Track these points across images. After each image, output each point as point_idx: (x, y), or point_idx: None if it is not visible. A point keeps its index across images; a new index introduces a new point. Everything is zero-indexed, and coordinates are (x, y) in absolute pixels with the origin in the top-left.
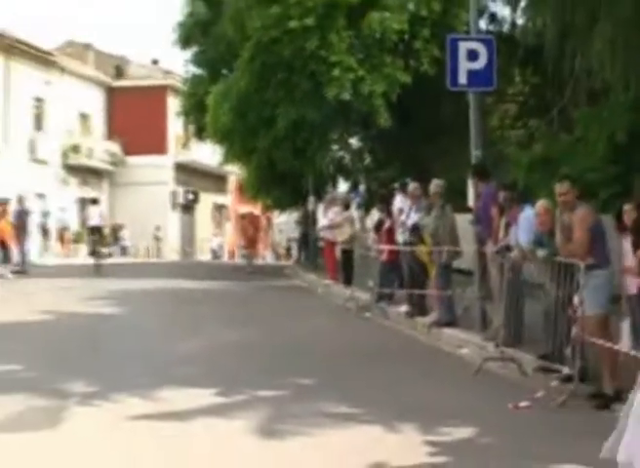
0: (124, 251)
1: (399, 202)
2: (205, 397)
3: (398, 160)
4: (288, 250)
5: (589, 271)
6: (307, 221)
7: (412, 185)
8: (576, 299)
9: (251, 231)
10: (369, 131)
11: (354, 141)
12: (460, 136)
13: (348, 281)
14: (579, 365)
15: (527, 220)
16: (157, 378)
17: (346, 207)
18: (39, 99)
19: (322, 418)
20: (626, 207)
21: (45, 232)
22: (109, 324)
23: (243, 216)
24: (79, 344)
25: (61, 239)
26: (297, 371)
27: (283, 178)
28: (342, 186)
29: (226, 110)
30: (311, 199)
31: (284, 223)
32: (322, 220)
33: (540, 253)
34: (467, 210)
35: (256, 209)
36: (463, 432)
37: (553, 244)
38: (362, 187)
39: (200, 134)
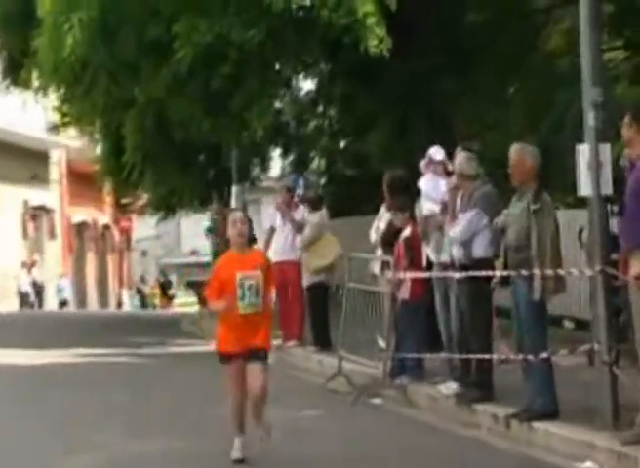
0: None
1: (432, 187)
2: None
3: (391, 115)
4: (163, 287)
5: None
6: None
7: (461, 155)
8: None
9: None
10: (338, 63)
11: (308, 84)
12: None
13: (325, 342)
14: None
15: None
16: None
17: (315, 204)
18: None
19: None
20: None
21: None
22: None
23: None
24: None
25: None
26: None
27: (184, 154)
28: (276, 167)
29: (76, 26)
30: (235, 190)
31: (153, 238)
32: (278, 235)
33: None
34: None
35: (103, 213)
36: None
37: None
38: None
39: (12, 73)
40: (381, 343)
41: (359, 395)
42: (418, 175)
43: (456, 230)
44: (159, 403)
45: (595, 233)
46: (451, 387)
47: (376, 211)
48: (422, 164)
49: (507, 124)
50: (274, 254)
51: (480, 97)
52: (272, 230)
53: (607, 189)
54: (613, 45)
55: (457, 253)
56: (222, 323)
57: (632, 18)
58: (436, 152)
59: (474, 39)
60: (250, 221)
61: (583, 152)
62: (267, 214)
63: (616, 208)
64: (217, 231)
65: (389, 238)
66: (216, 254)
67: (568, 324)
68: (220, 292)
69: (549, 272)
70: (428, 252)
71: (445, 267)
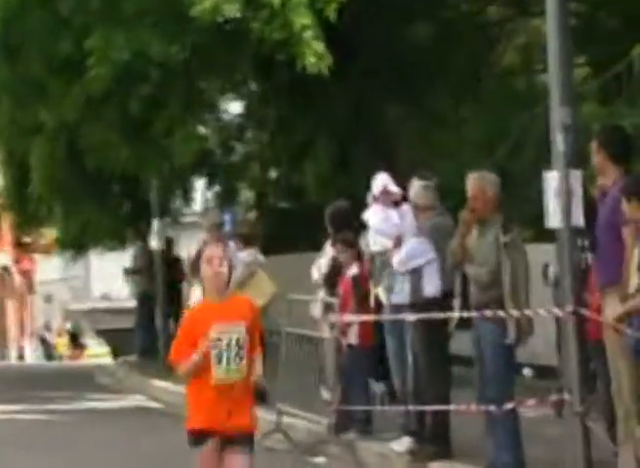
0: None
1: (382, 219)
2: None
3: (331, 142)
4: (74, 335)
5: None
6: (151, 271)
7: (417, 184)
8: None
9: None
10: (272, 83)
11: (236, 106)
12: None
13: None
14: None
15: None
16: None
17: (247, 241)
18: None
19: None
20: None
21: None
22: None
23: None
24: None
25: None
26: None
27: (99, 185)
28: (198, 200)
29: None
30: (156, 225)
31: (59, 281)
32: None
33: None
34: None
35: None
36: None
37: None
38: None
39: None
40: (325, 395)
41: (300, 453)
42: (360, 207)
43: (395, 260)
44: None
45: (565, 269)
46: (404, 443)
47: (314, 247)
48: (375, 194)
49: (459, 149)
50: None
51: (428, 121)
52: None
53: (578, 220)
54: (576, 62)
55: (406, 290)
56: (192, 391)
57: (596, 32)
58: (388, 181)
59: (422, 55)
60: (229, 259)
61: (552, 179)
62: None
63: (586, 242)
64: (142, 272)
65: (333, 276)
66: (144, 299)
67: (527, 372)
68: (189, 354)
69: (525, 312)
70: (378, 292)
71: (398, 309)
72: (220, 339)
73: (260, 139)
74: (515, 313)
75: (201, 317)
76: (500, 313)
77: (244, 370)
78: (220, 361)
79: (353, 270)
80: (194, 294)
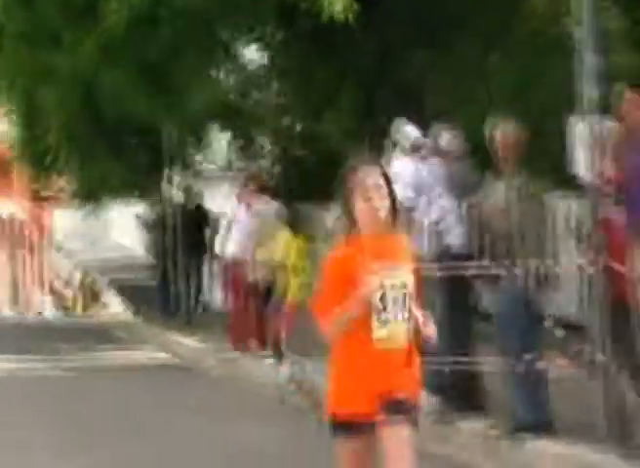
0: None
1: (411, 172)
2: None
3: (355, 92)
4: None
5: None
6: (165, 223)
7: (446, 134)
8: None
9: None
10: (294, 32)
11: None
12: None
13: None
14: None
15: None
16: None
17: (273, 194)
18: None
19: None
20: None
21: None
22: None
23: None
24: None
25: None
26: None
27: (116, 135)
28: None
29: None
30: (169, 175)
31: (76, 234)
32: (241, 230)
33: None
34: None
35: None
36: None
37: None
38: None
39: None
40: None
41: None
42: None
43: (421, 215)
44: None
45: (595, 222)
46: (430, 401)
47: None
48: (406, 147)
49: (487, 98)
50: (234, 249)
51: (456, 69)
52: (231, 224)
53: (609, 171)
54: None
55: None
56: (342, 362)
57: None
58: (412, 131)
59: (449, 1)
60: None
61: (580, 127)
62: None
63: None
64: (157, 226)
65: None
66: (160, 254)
67: (557, 329)
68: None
69: (546, 263)
70: None
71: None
72: (384, 288)
73: (283, 90)
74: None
75: (351, 258)
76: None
77: (411, 328)
78: (382, 318)
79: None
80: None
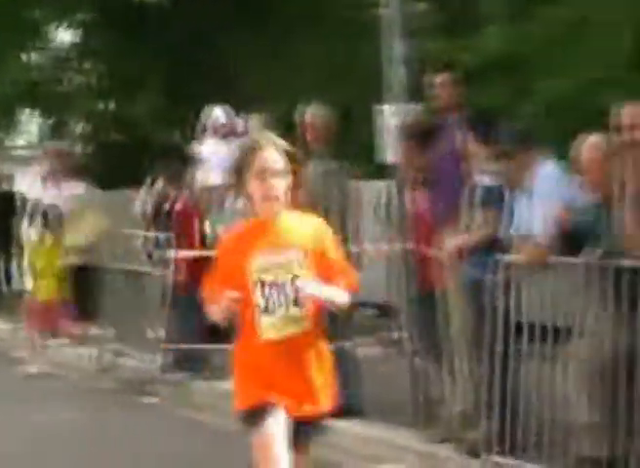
0: None
1: (214, 153)
2: None
3: (166, 74)
4: None
5: None
6: None
7: (255, 119)
8: None
9: None
10: (104, 12)
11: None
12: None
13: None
14: None
15: (550, 182)
16: None
17: (78, 174)
18: None
19: None
20: None
21: None
22: None
23: None
24: None
25: None
26: None
27: None
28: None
29: None
30: None
31: None
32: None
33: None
34: None
35: None
36: None
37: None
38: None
39: None
40: (154, 333)
41: (129, 393)
42: (192, 139)
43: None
44: None
45: (401, 206)
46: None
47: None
48: (207, 127)
49: (299, 83)
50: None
51: (268, 54)
52: (36, 207)
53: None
54: None
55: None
56: (239, 360)
57: None
58: (221, 115)
59: None
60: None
61: (387, 113)
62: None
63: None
64: None
65: (159, 211)
66: None
67: (368, 311)
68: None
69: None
70: (206, 225)
71: None
72: (264, 275)
73: (95, 70)
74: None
75: (240, 243)
76: None
77: (304, 318)
78: (267, 308)
79: (178, 205)
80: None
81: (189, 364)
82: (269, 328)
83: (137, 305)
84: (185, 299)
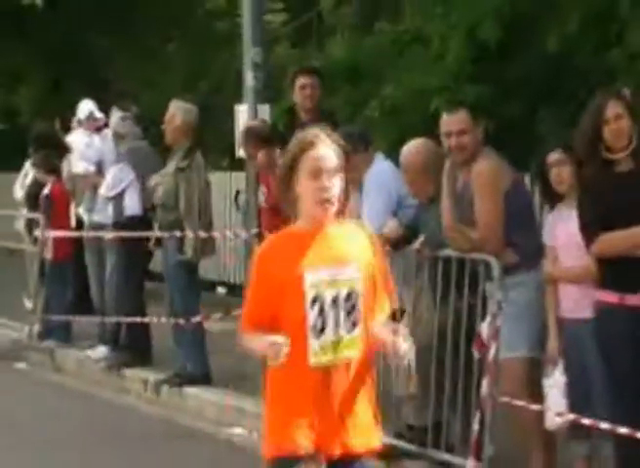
0: None
1: (85, 144)
2: None
3: (44, 69)
4: None
5: (509, 276)
6: None
7: (116, 114)
8: (484, 330)
9: None
10: None
11: None
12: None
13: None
14: (491, 451)
15: (379, 179)
16: None
17: None
18: None
19: None
20: (553, 157)
21: None
22: None
23: None
24: None
25: None
26: None
27: None
28: None
29: None
30: None
31: None
32: None
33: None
34: None
35: None
36: None
37: (434, 224)
38: None
39: None
40: (28, 304)
41: (3, 359)
42: (68, 131)
43: (102, 188)
44: None
45: (252, 196)
46: (100, 351)
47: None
48: (80, 119)
49: (165, 82)
50: None
51: (137, 54)
52: None
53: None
54: (273, 7)
55: (109, 211)
56: (276, 392)
57: None
58: (93, 108)
59: None
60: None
61: (242, 112)
62: None
63: None
64: None
65: (34, 195)
66: None
67: (221, 289)
68: (269, 318)
69: (201, 233)
70: (80, 211)
71: (100, 228)
72: (320, 295)
73: None
74: (190, 234)
75: (284, 256)
76: (186, 232)
77: (360, 343)
78: (319, 333)
79: (46, 190)
80: None
81: (58, 333)
82: (320, 352)
83: (17, 280)
84: (56, 275)
